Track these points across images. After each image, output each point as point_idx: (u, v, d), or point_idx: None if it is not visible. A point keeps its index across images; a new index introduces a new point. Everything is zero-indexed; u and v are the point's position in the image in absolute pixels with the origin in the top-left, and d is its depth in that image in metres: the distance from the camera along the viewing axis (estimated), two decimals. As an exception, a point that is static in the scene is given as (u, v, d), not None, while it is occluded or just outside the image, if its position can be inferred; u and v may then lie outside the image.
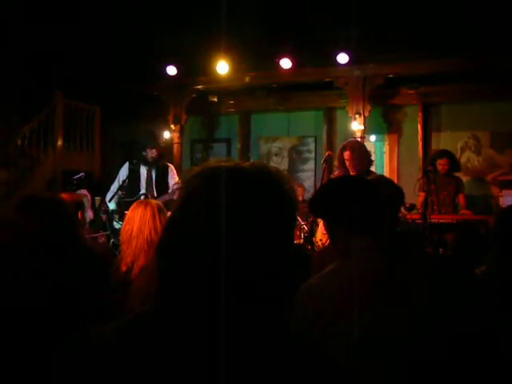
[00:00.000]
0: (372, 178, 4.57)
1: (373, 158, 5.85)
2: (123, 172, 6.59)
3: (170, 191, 6.29)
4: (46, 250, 1.84)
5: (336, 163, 5.70)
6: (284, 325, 1.05)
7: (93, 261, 2.40)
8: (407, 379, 1.71)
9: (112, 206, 6.36)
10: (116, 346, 0.97)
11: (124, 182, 6.41)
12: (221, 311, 0.93)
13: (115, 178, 6.65)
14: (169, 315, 0.98)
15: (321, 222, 4.99)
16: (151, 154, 6.48)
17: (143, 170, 6.53)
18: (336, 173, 5.63)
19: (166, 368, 0.94)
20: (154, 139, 6.82)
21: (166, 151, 7.20)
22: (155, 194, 6.34)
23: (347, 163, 5.38)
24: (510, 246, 2.36)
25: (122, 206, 5.98)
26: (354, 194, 1.96)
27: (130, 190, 6.43)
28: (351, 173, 5.28)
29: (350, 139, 6.48)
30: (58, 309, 1.76)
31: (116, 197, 6.38)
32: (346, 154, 5.38)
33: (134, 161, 6.55)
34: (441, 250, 5.65)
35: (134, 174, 6.51)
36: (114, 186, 6.52)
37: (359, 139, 7.98)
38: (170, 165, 6.75)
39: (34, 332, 1.68)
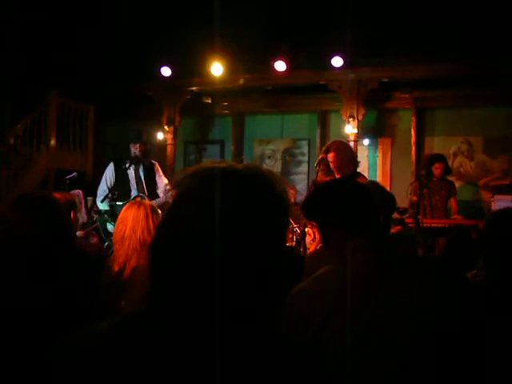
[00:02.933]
0: (364, 182, 4.40)
1: (363, 160, 5.63)
2: (109, 174, 6.33)
3: (162, 194, 6.05)
4: (39, 248, 1.84)
5: (321, 166, 5.28)
6: (277, 325, 1.05)
7: (85, 261, 2.39)
8: (401, 380, 1.72)
9: (103, 206, 6.20)
10: (112, 345, 0.97)
11: (112, 186, 6.20)
12: (214, 311, 0.94)
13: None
14: (162, 315, 0.98)
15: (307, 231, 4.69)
16: (134, 149, 6.26)
17: (131, 171, 6.30)
18: (318, 176, 5.34)
19: (161, 366, 0.95)
20: (139, 135, 6.55)
21: (153, 149, 6.99)
22: (146, 194, 6.12)
23: (332, 165, 5.00)
24: (501, 250, 2.37)
25: (115, 209, 5.78)
26: (348, 194, 1.96)
27: (121, 192, 6.15)
28: (336, 175, 4.92)
29: (334, 140, 6.18)
30: (52, 308, 1.76)
31: (107, 200, 6.12)
32: (330, 156, 5.01)
33: (127, 162, 6.26)
34: (431, 254, 5.64)
35: (122, 176, 6.26)
36: (103, 188, 6.27)
37: (352, 142, 7.98)
38: (154, 162, 6.50)
39: (28, 331, 1.68)
